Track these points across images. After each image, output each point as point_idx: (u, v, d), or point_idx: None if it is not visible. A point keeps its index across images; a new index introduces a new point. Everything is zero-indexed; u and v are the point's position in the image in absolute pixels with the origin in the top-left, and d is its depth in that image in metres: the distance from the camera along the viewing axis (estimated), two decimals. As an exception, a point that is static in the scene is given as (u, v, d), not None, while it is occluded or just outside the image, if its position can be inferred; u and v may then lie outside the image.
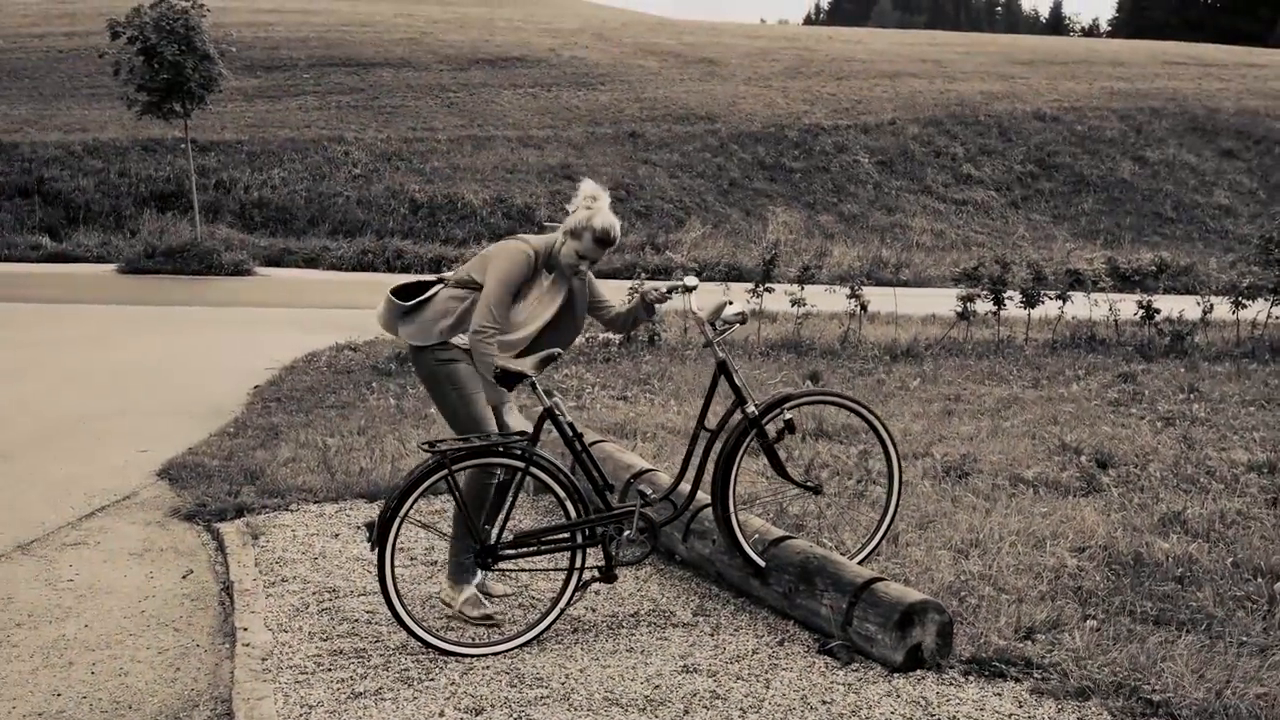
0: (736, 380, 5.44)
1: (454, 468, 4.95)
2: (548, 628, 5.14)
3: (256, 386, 11.02)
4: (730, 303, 5.50)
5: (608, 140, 33.35)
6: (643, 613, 5.51)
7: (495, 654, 4.97)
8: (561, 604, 5.18)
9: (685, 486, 5.59)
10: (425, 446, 5.00)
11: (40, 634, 5.26)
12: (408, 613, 4.93)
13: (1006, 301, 14.51)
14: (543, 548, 5.31)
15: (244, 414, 9.85)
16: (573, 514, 5.18)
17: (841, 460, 8.20)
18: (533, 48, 40.37)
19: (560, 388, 10.88)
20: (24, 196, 26.83)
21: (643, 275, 14.88)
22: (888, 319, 16.27)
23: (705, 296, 5.78)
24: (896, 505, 5.92)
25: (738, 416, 5.47)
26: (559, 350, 5.29)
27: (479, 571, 5.50)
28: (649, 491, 5.52)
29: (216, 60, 22.98)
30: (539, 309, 5.43)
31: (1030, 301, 14.56)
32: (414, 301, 5.48)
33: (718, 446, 5.48)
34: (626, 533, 5.32)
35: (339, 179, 29.21)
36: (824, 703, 4.52)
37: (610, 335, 13.66)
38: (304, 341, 13.53)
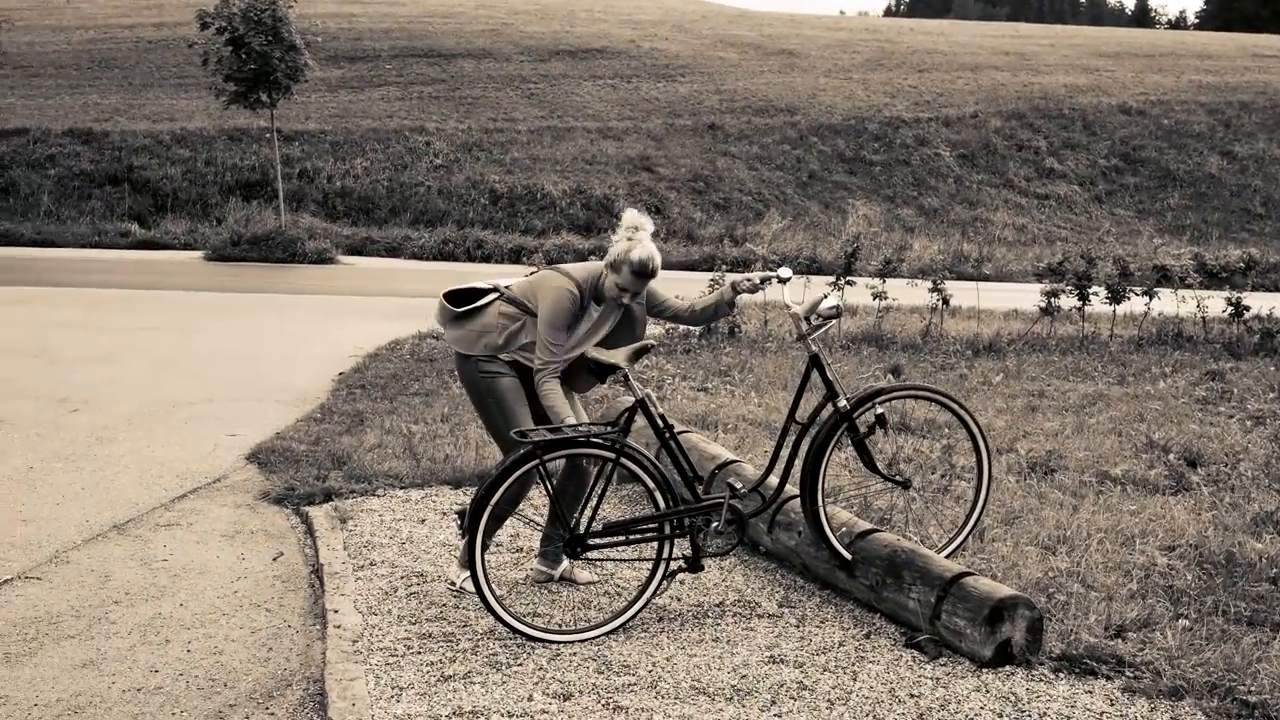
0: (829, 374, 5.43)
1: (545, 457, 4.98)
2: (633, 616, 5.16)
3: (341, 373, 11.15)
4: (826, 296, 5.48)
5: (687, 132, 33.33)
6: (728, 603, 5.51)
7: (581, 640, 5.00)
8: (648, 593, 5.20)
9: (774, 479, 5.58)
10: (518, 435, 5.04)
11: (137, 612, 5.38)
12: (496, 599, 4.98)
13: (1091, 297, 14.32)
14: (631, 538, 5.34)
15: (329, 400, 9.97)
16: (662, 505, 5.20)
17: (925, 455, 8.14)
18: (613, 39, 40.44)
19: (641, 378, 10.91)
20: (114, 184, 27.35)
21: (723, 267, 14.87)
22: (969, 314, 16.12)
23: (797, 289, 5.76)
24: (985, 500, 5.88)
25: (829, 410, 5.46)
26: (652, 342, 5.30)
27: (564, 560, 5.55)
28: (737, 484, 5.52)
29: (302, 51, 23.23)
30: (590, 337, 5.47)
31: (1115, 297, 14.35)
32: (464, 309, 5.48)
33: (808, 440, 5.47)
34: (715, 524, 5.33)
35: (420, 169, 29.46)
36: (912, 696, 4.51)
37: (690, 328, 13.67)
38: (387, 329, 13.67)
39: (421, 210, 27.76)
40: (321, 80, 32.08)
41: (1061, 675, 4.70)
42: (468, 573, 5.31)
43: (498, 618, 4.98)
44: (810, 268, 15.10)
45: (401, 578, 5.73)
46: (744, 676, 4.67)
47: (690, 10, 50.51)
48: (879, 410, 5.47)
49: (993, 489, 7.15)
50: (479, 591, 4.96)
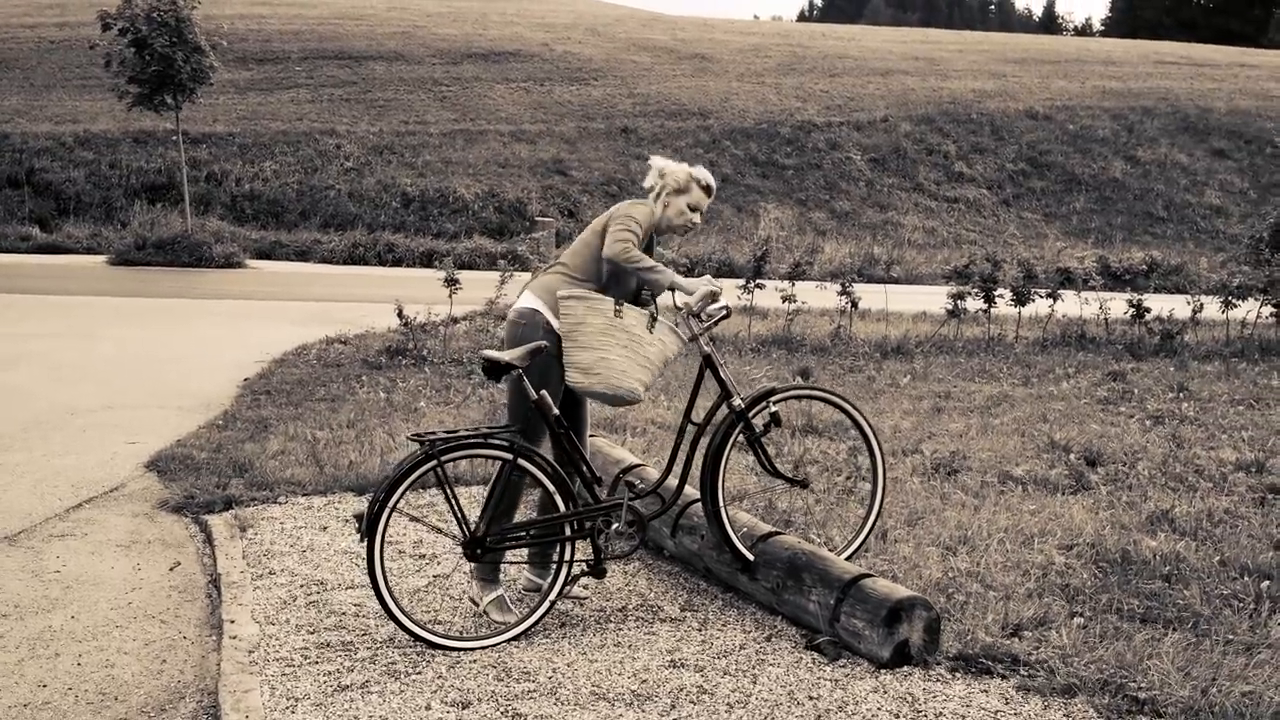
0: (722, 374, 5.43)
1: (443, 459, 4.95)
2: (536, 622, 5.12)
3: (246, 379, 11.00)
4: (716, 296, 5.49)
5: (600, 135, 33.34)
6: (630, 607, 5.50)
7: (483, 648, 4.96)
8: (551, 597, 5.17)
9: (673, 480, 5.58)
10: (414, 438, 5.00)
11: (27, 625, 5.25)
12: (397, 605, 4.92)
13: (997, 299, 14.54)
14: (531, 540, 5.31)
15: (233, 406, 9.82)
16: (562, 507, 5.18)
17: (830, 456, 8.20)
18: (526, 42, 40.33)
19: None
20: (14, 187, 26.78)
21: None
22: (879, 316, 16.29)
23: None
24: (882, 501, 5.92)
25: (724, 411, 5.47)
26: (544, 343, 5.25)
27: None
28: (637, 484, 5.52)
29: (207, 52, 22.92)
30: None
31: (1021, 299, 14.57)
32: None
33: (705, 441, 5.48)
34: (615, 526, 5.31)
35: (331, 172, 29.17)
36: (811, 698, 4.52)
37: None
38: (294, 334, 13.51)
39: (332, 214, 27.49)
40: (230, 82, 31.65)
41: (958, 675, 4.74)
42: (492, 594, 5.27)
43: (400, 624, 4.92)
44: (721, 270, 15.15)
45: (301, 586, 5.65)
46: (644, 681, 4.66)
47: (603, 14, 50.54)
48: (773, 409, 5.50)
49: (894, 490, 7.23)
50: (379, 597, 4.89)
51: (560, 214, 28.04)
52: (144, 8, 22.22)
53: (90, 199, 26.78)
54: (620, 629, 5.23)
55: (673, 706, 4.44)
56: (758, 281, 13.97)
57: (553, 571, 5.24)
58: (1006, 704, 4.50)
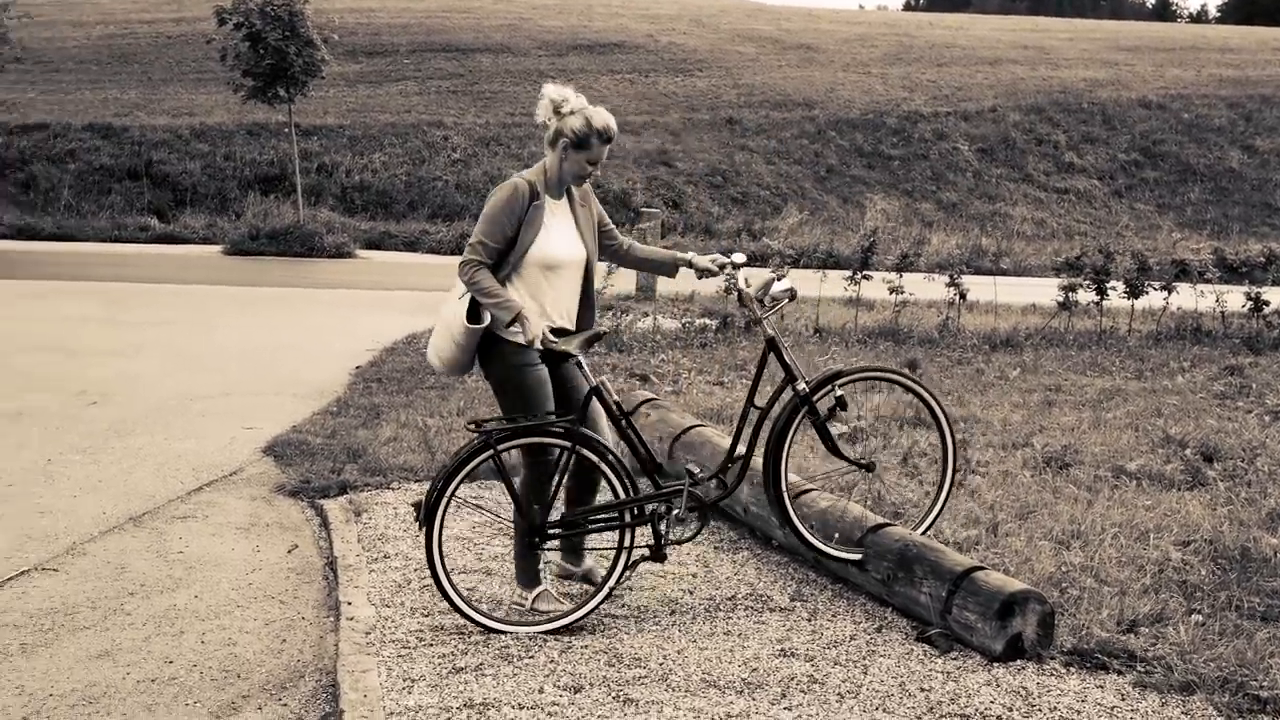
0: (786, 357, 5.38)
1: (499, 448, 4.94)
2: (596, 607, 5.12)
3: (358, 367, 11.19)
4: (779, 278, 5.45)
5: (704, 126, 33.30)
6: (740, 596, 5.52)
7: (542, 632, 4.98)
8: (611, 583, 5.15)
9: (735, 466, 5.50)
10: (471, 426, 5.00)
11: (153, 603, 5.41)
12: (456, 591, 4.98)
13: (1109, 291, 14.27)
14: (591, 527, 5.32)
15: (346, 394, 10.01)
16: (620, 493, 5.15)
17: (940, 449, 8.11)
18: (631, 33, 40.39)
19: (656, 372, 10.91)
20: (133, 179, 27.45)
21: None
22: (987, 308, 16.08)
23: (753, 274, 5.72)
24: (953, 481, 5.88)
25: (788, 394, 5.42)
26: (605, 329, 5.25)
27: (587, 558, 5.54)
28: (696, 470, 5.49)
29: (319, 46, 23.35)
30: (554, 238, 5.22)
31: (1134, 292, 14.28)
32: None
33: (769, 426, 5.43)
34: (675, 511, 5.26)
35: (438, 163, 29.49)
36: (922, 690, 4.51)
37: (708, 321, 13.67)
38: (403, 324, 13.70)
39: (439, 204, 27.80)
40: (340, 75, 32.13)
41: (1072, 669, 4.69)
42: (537, 590, 5.28)
43: (458, 610, 4.97)
44: (827, 262, 15.03)
45: (415, 570, 5.75)
46: (754, 669, 4.67)
47: (708, 5, 50.38)
48: (839, 393, 5.43)
49: (1005, 483, 7.16)
50: (437, 583, 4.94)
51: (665, 205, 28.06)
52: (258, 2, 22.68)
53: (206, 190, 27.36)
54: (730, 618, 5.25)
55: (783, 695, 4.45)
56: (864, 273, 13.87)
57: (611, 558, 5.19)
58: (1123, 700, 4.44)
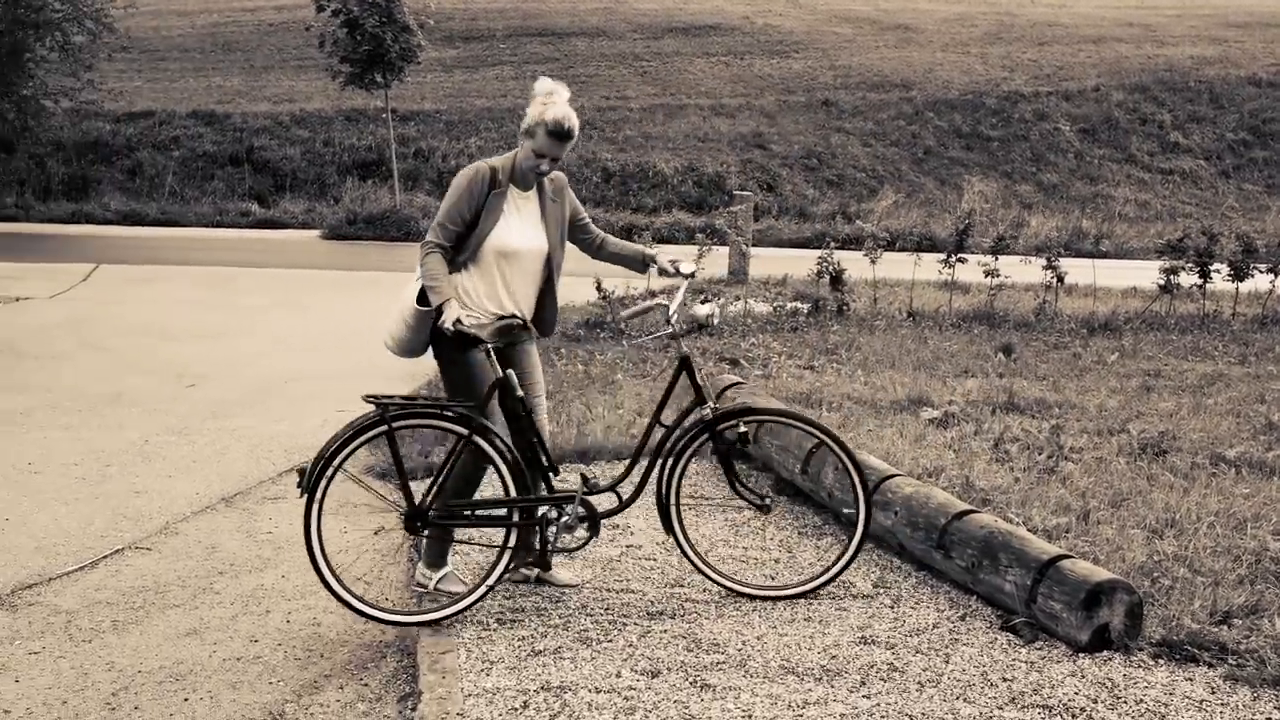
0: (698, 379, 5.24)
1: (394, 425, 4.84)
2: (473, 603, 4.94)
3: (449, 350, 11.26)
4: (706, 301, 5.34)
5: (800, 108, 33.05)
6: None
7: (417, 624, 4.88)
8: (490, 581, 4.98)
9: (631, 481, 5.32)
10: (369, 398, 4.85)
11: (241, 583, 5.51)
12: (329, 568, 4.83)
13: (1213, 274, 13.92)
14: (474, 520, 5.18)
15: (436, 377, 10.07)
16: (512, 490, 4.99)
17: (1033, 435, 7.99)
18: (726, 15, 40.20)
19: (746, 356, 10.86)
20: (235, 165, 27.91)
21: (832, 245, 14.72)
22: (1085, 291, 15.79)
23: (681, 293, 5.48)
24: (865, 533, 5.38)
25: (695, 416, 5.29)
26: (520, 319, 5.17)
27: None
28: (591, 476, 5.33)
29: (415, 32, 23.59)
30: (514, 226, 5.16)
31: (1239, 275, 13.93)
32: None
33: (672, 441, 5.29)
34: (565, 519, 5.09)
35: (533, 148, 29.57)
36: (1005, 679, 4.44)
37: (799, 305, 13.57)
38: (496, 307, 13.75)
39: (535, 189, 27.91)
40: (437, 60, 32.40)
41: (1161, 661, 4.59)
42: (440, 572, 5.24)
43: (332, 592, 4.83)
44: (922, 244, 14.86)
45: (498, 553, 5.77)
46: (834, 657, 4.63)
47: (805, -15, 50.00)
48: (742, 429, 5.28)
49: (1099, 470, 7.02)
50: (311, 557, 4.79)
51: (759, 188, 27.91)
52: (356, -11, 22.96)
53: (305, 176, 27.74)
54: (811, 604, 5.21)
55: (862, 683, 4.40)
56: (959, 255, 13.67)
57: (495, 555, 5.05)
58: (1213, 693, 4.34)
